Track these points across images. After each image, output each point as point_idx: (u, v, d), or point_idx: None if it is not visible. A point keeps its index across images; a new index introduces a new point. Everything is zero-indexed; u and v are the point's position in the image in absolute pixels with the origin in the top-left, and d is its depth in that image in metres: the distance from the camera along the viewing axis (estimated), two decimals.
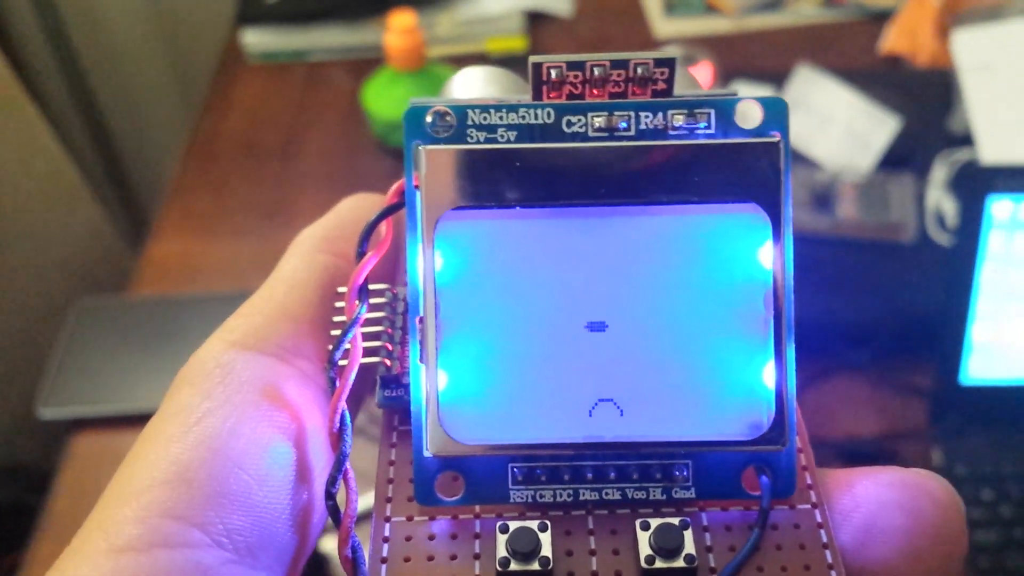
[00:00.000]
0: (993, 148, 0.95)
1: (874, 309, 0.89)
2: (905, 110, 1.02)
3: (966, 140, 0.98)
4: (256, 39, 1.29)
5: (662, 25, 1.30)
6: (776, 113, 0.27)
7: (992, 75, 1.00)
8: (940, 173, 0.98)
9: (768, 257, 0.27)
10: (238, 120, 1.22)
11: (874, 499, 0.26)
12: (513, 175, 0.26)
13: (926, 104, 1.06)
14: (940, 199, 0.96)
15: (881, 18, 1.24)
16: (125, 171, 1.66)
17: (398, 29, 1.06)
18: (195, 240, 1.06)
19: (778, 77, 1.08)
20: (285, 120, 1.21)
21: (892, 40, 1.18)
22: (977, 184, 0.75)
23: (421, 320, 0.27)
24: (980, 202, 0.74)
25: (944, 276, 0.81)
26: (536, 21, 1.31)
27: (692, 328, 0.27)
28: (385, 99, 1.10)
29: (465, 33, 1.27)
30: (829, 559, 0.26)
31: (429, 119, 0.27)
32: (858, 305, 0.89)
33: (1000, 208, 0.74)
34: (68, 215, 1.31)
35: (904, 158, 1.00)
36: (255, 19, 1.29)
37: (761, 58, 1.20)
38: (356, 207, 0.31)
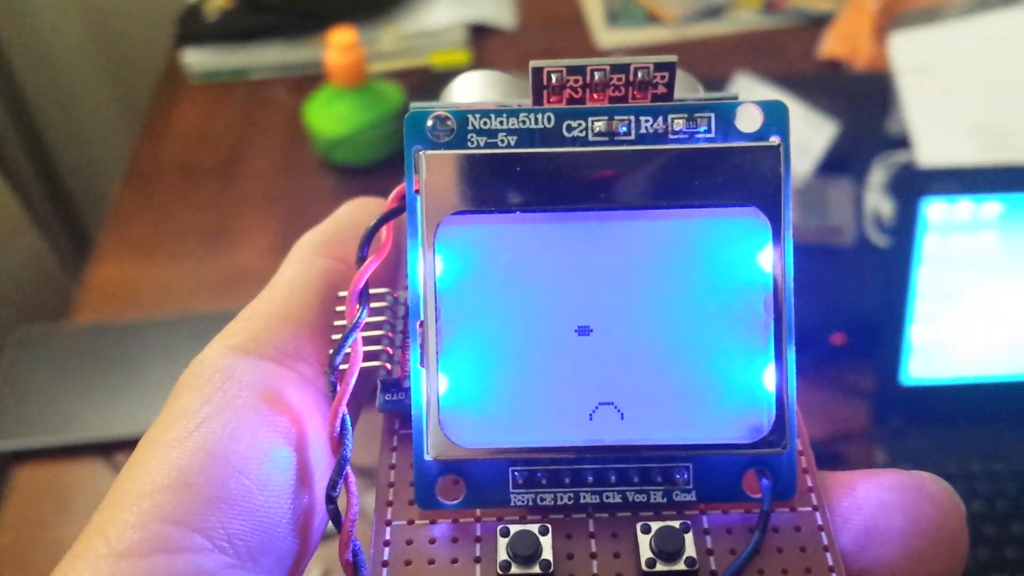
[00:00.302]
0: (930, 150, 0.95)
1: (816, 312, 0.89)
2: (843, 114, 1.02)
3: (903, 143, 0.99)
4: (196, 58, 1.28)
5: (605, 35, 1.30)
6: (776, 117, 0.27)
7: (929, 77, 1.00)
8: (878, 176, 0.98)
9: (768, 260, 0.27)
10: (179, 142, 1.21)
11: (874, 502, 0.26)
12: (514, 180, 0.26)
13: (864, 108, 1.06)
14: (878, 202, 0.96)
15: (820, 23, 1.25)
16: (67, 196, 1.64)
17: (338, 46, 1.06)
18: (136, 265, 1.05)
19: (718, 84, 1.08)
20: (226, 140, 1.20)
21: (831, 45, 1.19)
22: (911, 187, 0.75)
23: (422, 324, 0.27)
24: (915, 205, 0.74)
25: (882, 278, 0.81)
26: (479, 34, 1.31)
27: (693, 331, 0.27)
28: (327, 116, 1.09)
29: (408, 48, 1.27)
30: (830, 562, 0.26)
31: (430, 124, 0.27)
32: (799, 308, 0.88)
33: (935, 210, 0.75)
34: (8, 242, 1.29)
35: (843, 162, 1.00)
36: (195, 38, 1.28)
37: (703, 66, 1.20)
38: (356, 212, 0.31)
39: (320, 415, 0.27)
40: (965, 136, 0.96)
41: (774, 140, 0.27)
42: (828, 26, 1.21)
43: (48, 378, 0.92)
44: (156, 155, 1.20)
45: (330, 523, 0.26)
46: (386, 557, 0.26)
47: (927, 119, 0.97)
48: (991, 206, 0.74)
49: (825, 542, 0.26)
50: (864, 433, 0.83)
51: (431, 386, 0.26)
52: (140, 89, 1.49)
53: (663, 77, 0.27)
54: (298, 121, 1.15)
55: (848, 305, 0.90)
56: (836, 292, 0.91)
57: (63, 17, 1.52)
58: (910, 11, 1.12)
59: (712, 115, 0.27)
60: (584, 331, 0.27)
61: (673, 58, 0.27)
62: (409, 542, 0.26)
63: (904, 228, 0.76)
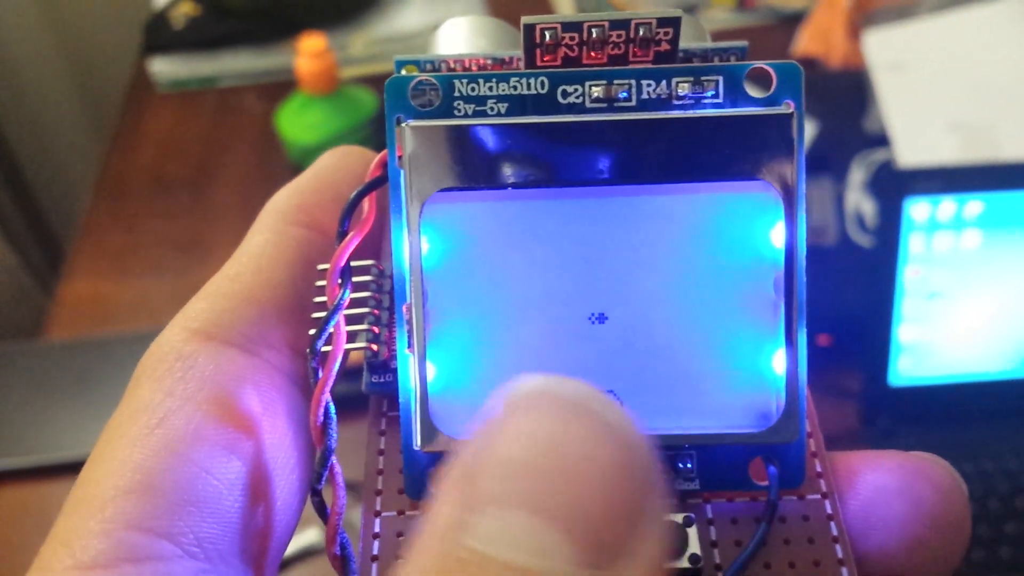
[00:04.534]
0: (909, 148, 0.95)
1: None
2: (821, 113, 1.02)
3: (882, 141, 0.99)
4: (164, 67, 1.26)
5: None
6: (789, 80, 0.25)
7: (905, 74, 1.00)
8: (858, 175, 0.98)
9: (779, 238, 0.25)
10: (149, 152, 1.19)
11: (872, 485, 0.25)
12: (505, 153, 0.24)
13: (842, 106, 1.06)
14: (859, 201, 0.96)
15: (793, 21, 1.24)
16: (38, 209, 1.62)
17: (308, 53, 1.04)
18: (110, 279, 1.03)
19: None
20: (197, 149, 1.19)
21: (805, 42, 1.19)
22: (894, 187, 0.75)
23: (408, 307, 0.25)
24: (898, 205, 0.74)
25: (867, 278, 0.81)
26: None
27: (697, 315, 0.25)
28: (299, 124, 1.08)
29: (379, 52, 1.25)
30: (840, 554, 0.25)
31: (412, 90, 0.25)
32: None
33: (918, 210, 0.74)
34: None
35: (822, 161, 0.99)
36: (163, 46, 1.26)
37: None
38: (337, 167, 0.29)
39: (285, 406, 0.26)
40: (943, 133, 0.96)
41: (788, 106, 0.25)
42: (802, 24, 1.21)
43: (24, 397, 0.90)
44: (126, 166, 1.18)
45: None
46: (375, 551, 0.25)
47: (905, 117, 0.97)
48: (974, 205, 0.74)
49: (835, 532, 0.25)
50: (853, 435, 0.82)
51: (419, 373, 0.25)
52: (108, 99, 1.47)
53: (667, 33, 0.25)
54: (271, 129, 1.13)
55: (833, 306, 0.89)
56: (820, 292, 0.91)
57: (27, 26, 1.50)
58: (883, 8, 1.12)
59: (720, 78, 0.25)
60: (582, 315, 0.25)
61: (678, 13, 0.25)
62: (399, 534, 0.25)
63: (888, 228, 0.76)
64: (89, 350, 0.93)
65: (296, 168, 1.10)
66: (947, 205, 0.74)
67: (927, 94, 0.99)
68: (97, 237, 1.09)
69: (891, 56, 1.01)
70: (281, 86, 1.19)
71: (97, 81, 1.57)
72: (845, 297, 0.89)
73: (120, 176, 1.17)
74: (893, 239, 0.75)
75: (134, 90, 1.30)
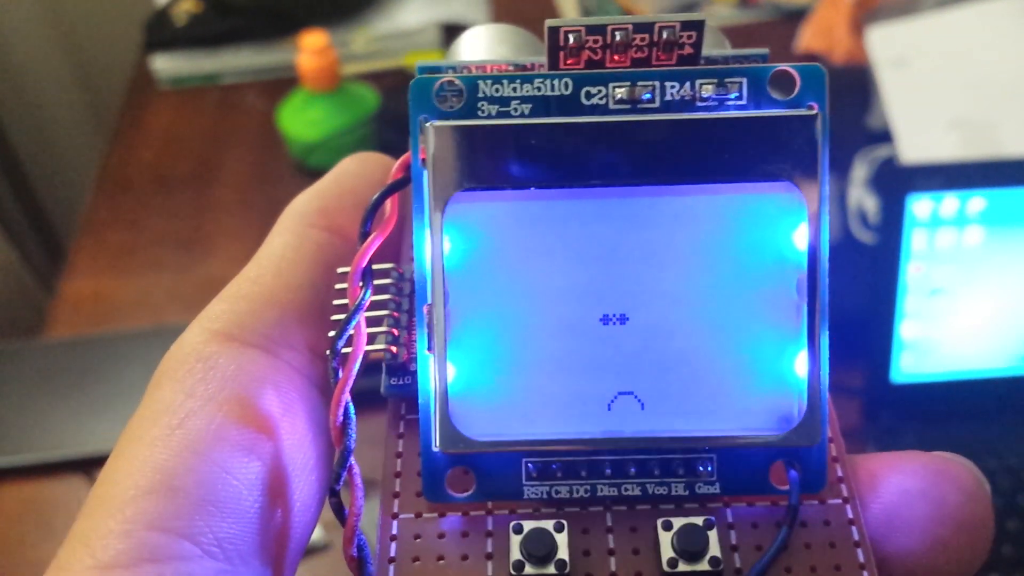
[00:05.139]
0: (912, 145, 0.95)
1: None
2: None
3: (885, 137, 0.98)
4: (166, 64, 1.26)
5: None
6: (814, 82, 0.25)
7: (908, 71, 1.00)
8: (861, 171, 0.98)
9: (803, 240, 0.25)
10: (150, 149, 1.19)
11: (895, 488, 0.25)
12: (528, 153, 0.25)
13: (845, 102, 1.06)
14: (862, 197, 0.96)
15: (796, 17, 1.24)
16: (39, 207, 1.62)
17: (310, 49, 1.04)
18: (111, 276, 1.03)
19: None
20: (199, 146, 1.18)
21: (808, 38, 1.18)
22: (897, 184, 0.75)
23: (429, 308, 0.25)
24: (900, 202, 0.74)
25: (869, 275, 0.81)
26: (453, 34, 1.29)
27: (719, 317, 0.25)
28: (301, 121, 1.08)
29: (381, 49, 1.25)
30: (861, 558, 0.25)
31: (436, 91, 0.25)
32: None
33: (921, 207, 0.74)
34: None
35: None
36: (164, 44, 1.26)
37: None
38: (358, 173, 0.29)
39: (305, 407, 0.26)
40: (946, 130, 0.95)
41: (812, 108, 0.25)
42: (805, 20, 1.21)
43: (25, 395, 0.90)
44: (127, 163, 1.18)
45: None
46: (393, 553, 0.25)
47: (908, 113, 0.97)
48: (976, 201, 0.74)
49: (856, 537, 0.25)
50: (855, 432, 0.82)
51: (439, 374, 0.25)
52: (109, 96, 1.47)
53: (690, 37, 0.25)
54: (272, 126, 1.13)
55: (834, 302, 0.89)
56: None
57: (28, 24, 1.50)
58: (886, 4, 1.11)
59: (744, 80, 0.25)
60: (603, 317, 0.25)
61: (702, 16, 0.25)
62: (417, 537, 0.25)
63: (890, 225, 0.75)
64: (90, 348, 0.93)
65: (298, 165, 1.11)
66: (949, 201, 0.74)
67: (930, 90, 0.98)
68: (98, 234, 1.09)
69: (894, 52, 1.01)
70: (282, 83, 1.19)
71: (98, 78, 1.57)
72: (847, 294, 0.88)
73: (121, 173, 1.17)
74: (895, 235, 0.75)
75: (135, 87, 1.30)
